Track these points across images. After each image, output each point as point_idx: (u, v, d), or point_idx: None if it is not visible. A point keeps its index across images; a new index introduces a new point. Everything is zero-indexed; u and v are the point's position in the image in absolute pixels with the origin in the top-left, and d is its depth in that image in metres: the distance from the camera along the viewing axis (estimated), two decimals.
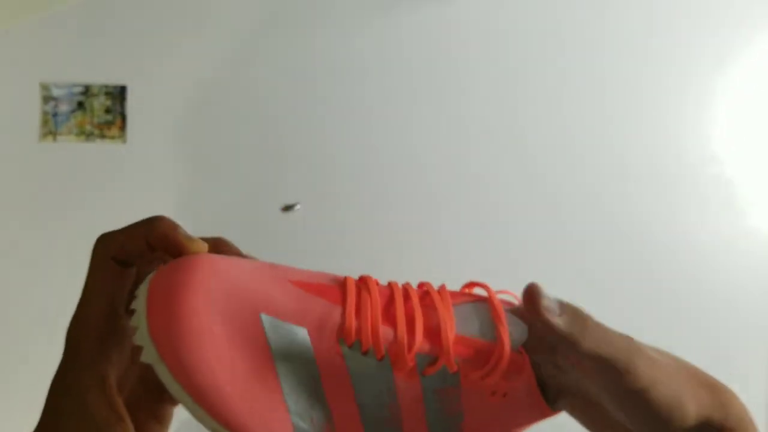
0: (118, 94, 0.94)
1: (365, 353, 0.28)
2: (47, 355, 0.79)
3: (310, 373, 0.28)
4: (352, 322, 0.28)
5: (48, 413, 0.26)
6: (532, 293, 0.29)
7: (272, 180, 0.96)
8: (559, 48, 1.00)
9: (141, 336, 0.25)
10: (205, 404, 0.25)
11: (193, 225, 0.99)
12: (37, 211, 0.92)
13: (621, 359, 0.27)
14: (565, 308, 0.29)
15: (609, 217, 0.97)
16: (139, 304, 0.26)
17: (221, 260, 0.27)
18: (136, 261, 0.27)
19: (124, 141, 0.94)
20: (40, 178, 0.93)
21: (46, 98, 0.93)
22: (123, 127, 0.94)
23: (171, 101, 0.95)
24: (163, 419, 0.31)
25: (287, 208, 0.95)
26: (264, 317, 0.27)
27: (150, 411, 0.30)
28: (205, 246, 0.28)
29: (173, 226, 0.27)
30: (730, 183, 1.02)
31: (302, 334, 0.28)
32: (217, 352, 0.25)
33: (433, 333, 0.29)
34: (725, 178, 1.02)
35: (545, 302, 0.29)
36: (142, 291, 0.25)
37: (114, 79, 0.94)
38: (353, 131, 0.97)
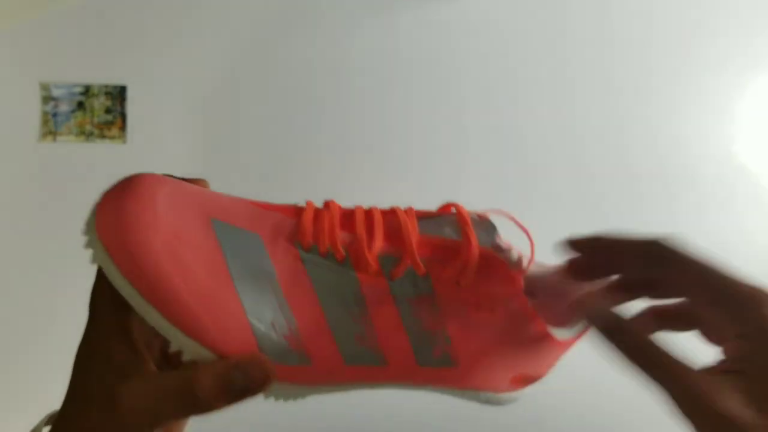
0: (118, 94, 0.94)
1: (324, 256, 0.27)
2: (48, 354, 0.79)
3: (267, 278, 0.26)
4: (308, 226, 0.28)
5: (74, 372, 0.26)
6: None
7: (273, 180, 0.96)
8: (561, 48, 1.00)
9: (90, 240, 0.24)
10: (154, 300, 0.24)
11: None
12: (37, 211, 0.92)
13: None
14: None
15: (610, 218, 0.97)
16: (90, 212, 0.25)
17: (173, 178, 0.27)
18: None
19: (124, 141, 0.94)
20: (40, 178, 0.93)
21: (46, 98, 0.93)
22: (123, 127, 0.94)
23: (171, 101, 0.95)
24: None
25: None
26: (215, 222, 0.26)
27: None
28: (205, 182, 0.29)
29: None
30: (730, 183, 1.02)
31: (256, 239, 0.27)
32: (166, 247, 0.24)
33: (395, 234, 0.28)
34: (724, 178, 1.02)
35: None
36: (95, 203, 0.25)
37: (114, 79, 0.94)
38: (354, 131, 0.97)
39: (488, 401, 0.33)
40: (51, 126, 0.93)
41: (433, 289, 0.28)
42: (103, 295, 0.26)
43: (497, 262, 0.29)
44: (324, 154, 0.97)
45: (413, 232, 0.29)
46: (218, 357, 0.25)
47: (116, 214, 0.24)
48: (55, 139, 0.93)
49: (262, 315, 0.26)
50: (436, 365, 0.30)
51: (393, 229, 0.29)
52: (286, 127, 0.97)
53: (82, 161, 0.94)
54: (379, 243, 0.28)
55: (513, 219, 0.32)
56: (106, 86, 0.94)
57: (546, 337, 0.31)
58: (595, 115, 1.00)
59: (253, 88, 0.96)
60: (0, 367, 0.92)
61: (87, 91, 0.94)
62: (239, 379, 0.25)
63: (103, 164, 0.94)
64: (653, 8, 1.01)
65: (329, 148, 0.97)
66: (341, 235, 0.28)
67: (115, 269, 0.24)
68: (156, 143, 0.95)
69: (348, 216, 0.30)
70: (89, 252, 0.25)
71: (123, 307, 0.25)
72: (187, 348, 0.25)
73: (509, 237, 0.32)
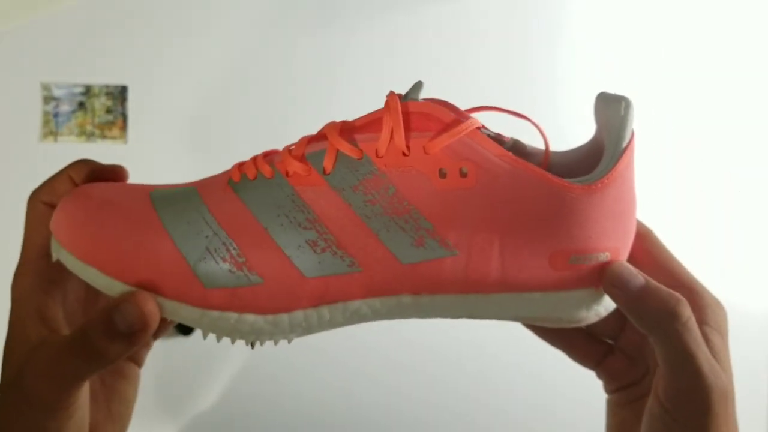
0: (119, 94, 0.94)
1: (254, 179, 0.27)
2: None
3: (198, 213, 0.26)
4: (235, 166, 0.29)
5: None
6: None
7: None
8: (561, 48, 1.00)
9: (53, 243, 0.27)
10: (85, 255, 0.25)
11: None
12: None
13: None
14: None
15: None
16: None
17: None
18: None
19: (125, 141, 0.94)
20: (40, 178, 0.93)
21: (47, 98, 0.93)
22: (124, 127, 0.94)
23: (172, 101, 0.95)
24: (129, 377, 0.31)
25: None
26: (153, 192, 0.28)
27: (115, 369, 0.30)
28: (124, 169, 0.32)
29: (90, 161, 0.31)
30: (730, 183, 1.02)
31: (190, 190, 0.28)
32: (95, 211, 0.26)
33: (318, 136, 0.28)
34: (724, 178, 1.02)
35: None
36: None
37: (115, 80, 0.94)
38: None
39: (550, 312, 0.27)
40: (52, 126, 0.93)
41: (376, 168, 0.26)
42: (24, 268, 0.28)
43: (435, 108, 0.27)
44: None
45: (334, 124, 0.28)
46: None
47: (62, 209, 0.27)
48: (56, 140, 0.93)
49: (194, 244, 0.25)
50: (425, 257, 0.26)
51: (319, 134, 0.28)
52: (286, 127, 0.97)
53: None
54: (301, 147, 0.28)
55: (500, 109, 0.30)
56: (107, 86, 0.94)
57: (553, 186, 0.26)
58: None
59: (253, 88, 0.97)
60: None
61: (88, 91, 0.94)
62: (119, 319, 0.24)
63: None
64: (653, 8, 1.01)
65: None
66: (266, 158, 0.28)
67: (56, 244, 0.26)
68: (157, 143, 0.95)
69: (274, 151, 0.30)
70: (55, 256, 0.27)
71: (39, 290, 0.27)
72: (118, 291, 0.25)
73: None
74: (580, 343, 0.32)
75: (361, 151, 0.26)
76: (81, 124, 0.94)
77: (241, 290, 0.25)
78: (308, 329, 0.26)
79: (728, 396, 0.25)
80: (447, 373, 0.94)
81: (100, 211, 0.26)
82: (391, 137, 0.26)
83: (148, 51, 0.95)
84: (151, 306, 0.24)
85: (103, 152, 0.94)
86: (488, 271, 0.26)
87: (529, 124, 0.33)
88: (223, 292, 0.25)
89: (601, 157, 0.28)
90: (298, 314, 0.26)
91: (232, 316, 0.25)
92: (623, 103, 0.28)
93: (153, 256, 0.25)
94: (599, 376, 0.32)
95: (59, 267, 0.27)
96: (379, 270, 0.26)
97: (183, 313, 0.25)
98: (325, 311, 0.26)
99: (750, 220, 1.02)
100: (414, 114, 0.27)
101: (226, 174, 0.29)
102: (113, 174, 0.31)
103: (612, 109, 0.29)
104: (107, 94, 0.94)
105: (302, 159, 0.27)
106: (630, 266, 0.27)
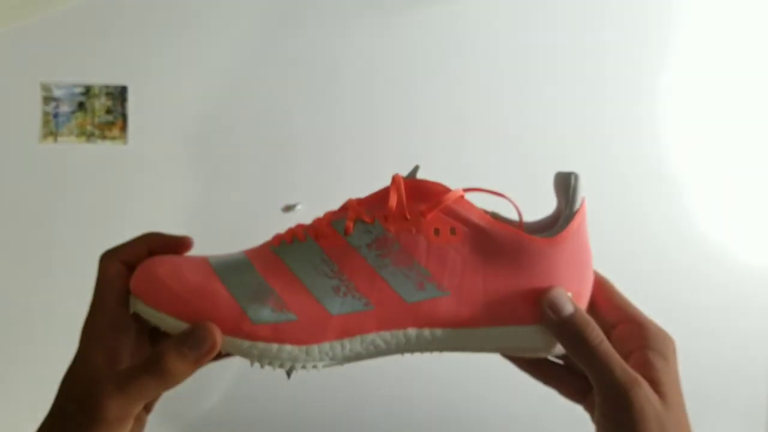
0: (119, 94, 0.94)
1: (291, 243, 0.35)
2: (47, 354, 0.79)
3: (246, 269, 0.34)
4: (276, 237, 0.36)
5: (58, 392, 0.32)
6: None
7: (273, 180, 0.96)
8: (560, 48, 1.00)
9: (131, 300, 0.33)
10: (160, 304, 0.32)
11: (195, 225, 1.00)
12: (38, 211, 0.93)
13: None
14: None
15: (610, 217, 0.97)
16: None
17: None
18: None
19: (125, 142, 0.94)
20: (40, 178, 0.93)
21: (47, 99, 0.93)
22: (124, 127, 0.94)
23: (172, 102, 0.95)
24: (141, 420, 0.36)
25: (288, 208, 0.95)
26: (211, 257, 0.35)
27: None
28: (189, 240, 0.37)
29: (162, 234, 0.37)
30: (729, 183, 1.02)
31: (240, 254, 0.35)
32: (168, 271, 0.33)
33: (341, 208, 0.36)
34: (723, 178, 1.02)
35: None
36: None
37: (115, 80, 0.94)
38: (354, 131, 0.97)
39: (527, 342, 0.34)
40: (52, 126, 0.93)
41: (384, 230, 0.34)
42: (95, 325, 0.33)
43: (427, 184, 0.35)
44: (323, 153, 0.97)
45: (353, 199, 0.35)
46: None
47: (141, 271, 0.34)
48: (56, 140, 0.93)
49: (244, 292, 0.33)
50: (425, 297, 0.33)
51: (343, 206, 0.36)
52: (286, 127, 0.97)
53: (82, 162, 0.94)
54: (327, 215, 0.35)
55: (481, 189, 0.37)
56: (107, 87, 0.94)
57: (522, 240, 0.33)
58: (596, 114, 1.00)
59: (254, 88, 0.97)
60: (0, 366, 0.92)
61: (88, 91, 0.94)
62: (190, 341, 0.31)
63: (104, 165, 0.94)
64: (654, 8, 1.01)
65: (329, 148, 0.97)
66: (299, 228, 0.36)
67: (135, 299, 0.33)
68: (157, 144, 0.95)
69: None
70: (133, 309, 0.33)
71: (115, 332, 0.33)
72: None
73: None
74: (566, 380, 0.38)
75: (373, 217, 0.34)
76: (81, 125, 0.94)
77: (281, 325, 0.32)
78: (334, 358, 0.33)
79: (646, 391, 0.30)
80: (447, 373, 0.94)
81: (174, 275, 0.33)
82: (396, 206, 0.34)
83: (148, 51, 0.95)
84: (218, 334, 0.32)
85: (103, 153, 0.94)
86: (475, 308, 0.34)
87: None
88: (267, 327, 0.32)
89: (556, 224, 0.36)
90: (326, 345, 0.33)
91: (275, 346, 0.32)
92: (573, 177, 0.35)
93: (214, 303, 0.32)
94: (586, 409, 0.37)
95: (128, 318, 0.34)
96: (389, 308, 0.33)
97: (237, 344, 0.32)
98: (346, 342, 0.33)
99: None
100: (414, 188, 0.35)
101: (268, 243, 0.36)
102: (182, 244, 0.37)
103: (565, 182, 0.36)
104: (107, 94, 0.94)
105: (328, 226, 0.34)
106: (565, 295, 0.34)
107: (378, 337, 0.33)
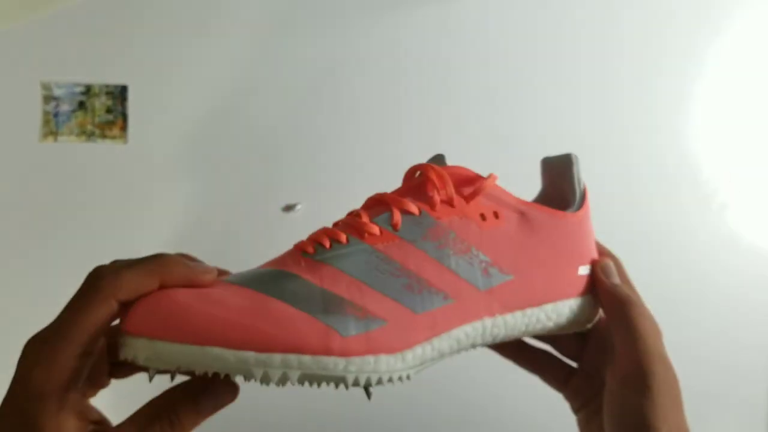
0: (120, 94, 0.94)
1: (330, 248, 0.30)
2: None
3: (293, 281, 0.28)
4: (303, 243, 0.31)
5: None
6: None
7: (274, 180, 0.96)
8: (560, 48, 1.00)
9: (128, 346, 0.26)
10: (198, 338, 0.25)
11: (194, 225, 0.99)
12: (38, 211, 0.92)
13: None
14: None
15: (608, 217, 0.97)
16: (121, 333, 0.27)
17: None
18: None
19: (125, 141, 0.94)
20: (40, 178, 0.93)
21: (47, 98, 0.93)
22: (124, 127, 0.94)
23: (172, 101, 0.95)
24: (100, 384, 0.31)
25: (288, 208, 0.95)
26: (229, 278, 0.29)
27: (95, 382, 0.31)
28: (215, 272, 0.29)
29: (185, 264, 0.28)
30: (729, 181, 1.02)
31: (265, 270, 0.30)
32: (190, 298, 0.26)
33: (377, 202, 0.33)
34: (724, 175, 1.02)
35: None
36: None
37: (115, 79, 0.94)
38: (354, 132, 0.97)
39: (580, 314, 0.35)
40: (52, 126, 0.93)
41: (435, 220, 0.32)
42: (49, 375, 0.26)
43: (462, 170, 0.34)
44: (324, 154, 0.97)
45: (387, 193, 0.33)
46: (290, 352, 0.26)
47: (142, 311, 0.26)
48: (56, 139, 0.93)
49: (311, 305, 0.27)
50: (495, 282, 0.32)
51: (373, 202, 0.33)
52: (286, 127, 0.97)
53: (83, 161, 0.94)
54: (365, 215, 0.32)
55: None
56: (107, 86, 0.94)
57: (558, 217, 0.35)
58: (596, 114, 1.00)
59: (254, 88, 0.96)
60: (0, 368, 0.92)
61: (88, 90, 0.94)
62: (208, 403, 0.27)
63: (104, 164, 0.94)
64: (654, 8, 1.01)
65: (329, 148, 0.97)
66: (334, 229, 0.32)
67: (162, 344, 0.25)
68: (157, 143, 0.95)
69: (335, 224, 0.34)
70: (133, 356, 0.26)
71: (76, 389, 0.26)
72: (251, 362, 0.25)
73: None
74: (550, 367, 0.39)
75: (419, 208, 0.32)
76: (81, 124, 0.94)
77: (373, 333, 0.28)
78: (423, 362, 0.31)
79: (671, 367, 0.33)
80: (447, 373, 0.94)
81: (205, 300, 0.26)
82: (441, 194, 0.32)
83: (148, 51, 0.95)
84: (235, 395, 0.28)
85: (104, 152, 0.94)
86: (535, 287, 0.34)
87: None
88: (359, 339, 0.27)
89: (551, 205, 0.36)
90: (417, 348, 0.30)
91: (371, 358, 0.28)
92: (574, 157, 0.38)
93: (289, 323, 0.26)
94: (566, 397, 0.39)
95: (94, 366, 0.28)
96: (467, 299, 0.31)
97: (330, 366, 0.26)
98: (435, 342, 0.31)
99: None
100: (450, 176, 0.33)
101: (295, 252, 0.31)
102: (206, 278, 0.28)
103: (565, 163, 0.38)
104: (107, 93, 0.94)
105: (371, 223, 0.32)
106: (611, 265, 0.37)
107: (461, 332, 0.32)
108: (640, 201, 1.00)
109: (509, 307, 0.33)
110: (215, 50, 0.96)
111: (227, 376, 0.26)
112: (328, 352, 0.26)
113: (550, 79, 1.00)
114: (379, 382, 0.28)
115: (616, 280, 0.36)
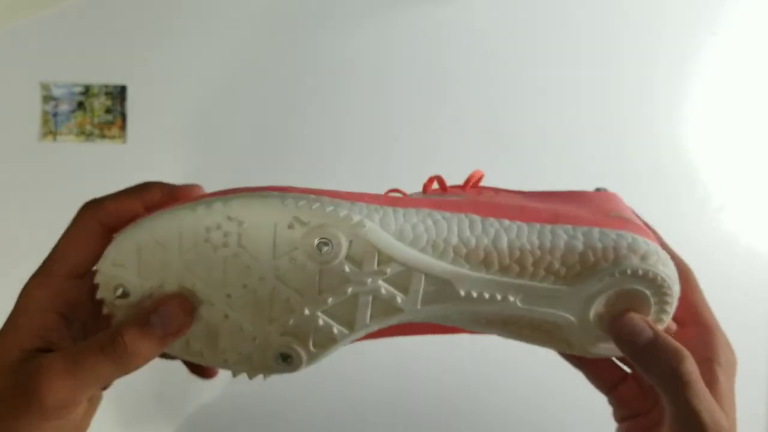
0: (119, 94, 0.94)
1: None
2: None
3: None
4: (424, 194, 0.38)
5: None
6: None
7: (274, 180, 0.96)
8: (560, 48, 1.00)
9: None
10: None
11: None
12: (37, 211, 0.92)
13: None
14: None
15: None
16: None
17: None
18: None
19: (124, 141, 0.94)
20: (40, 178, 0.93)
21: (46, 98, 0.93)
22: (123, 127, 0.94)
23: (172, 101, 0.95)
24: (92, 398, 0.30)
25: None
26: None
27: None
28: (200, 187, 0.31)
29: (167, 184, 0.30)
30: (727, 181, 1.02)
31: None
32: None
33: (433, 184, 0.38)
34: (721, 176, 1.02)
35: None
36: None
37: (114, 79, 0.94)
38: (356, 132, 0.97)
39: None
40: (51, 126, 0.93)
41: (465, 196, 0.34)
42: (33, 297, 0.28)
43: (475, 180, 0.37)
44: (323, 154, 0.97)
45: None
46: None
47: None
48: (55, 139, 0.93)
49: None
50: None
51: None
52: (286, 127, 0.97)
53: (82, 161, 0.94)
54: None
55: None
56: (107, 86, 0.94)
57: (586, 193, 0.37)
58: (596, 114, 1.00)
59: (255, 87, 0.96)
60: None
61: (87, 90, 0.94)
62: (157, 321, 0.26)
63: (103, 164, 0.94)
64: (649, 8, 1.01)
65: (329, 149, 0.97)
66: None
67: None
68: (156, 143, 0.95)
69: None
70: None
71: (52, 310, 0.27)
72: None
73: None
74: (601, 365, 0.34)
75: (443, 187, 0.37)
76: (80, 124, 0.94)
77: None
78: None
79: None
80: (445, 373, 0.94)
81: None
82: (442, 185, 0.36)
83: (148, 51, 0.95)
84: (188, 311, 0.27)
85: (103, 152, 0.94)
86: (578, 212, 0.32)
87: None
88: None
89: None
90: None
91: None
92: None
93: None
94: (611, 402, 0.34)
95: (81, 292, 0.28)
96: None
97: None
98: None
99: None
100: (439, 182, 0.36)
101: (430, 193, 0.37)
102: (189, 194, 0.30)
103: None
104: (106, 93, 0.94)
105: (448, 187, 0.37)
106: (641, 319, 0.29)
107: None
108: (636, 202, 0.99)
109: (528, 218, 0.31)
110: (215, 50, 0.96)
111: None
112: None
113: (545, 79, 1.00)
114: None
115: (644, 337, 0.28)
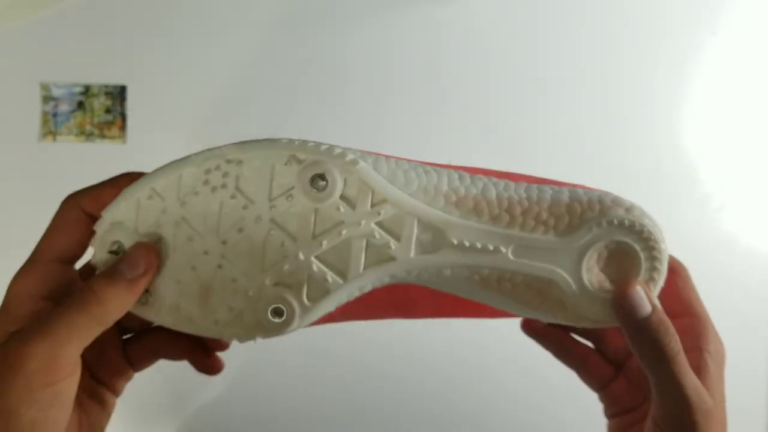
0: (118, 94, 0.94)
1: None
2: None
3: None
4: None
5: None
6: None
7: None
8: (560, 48, 1.00)
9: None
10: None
11: None
12: (37, 211, 0.92)
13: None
14: None
15: None
16: None
17: None
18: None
19: (124, 141, 0.94)
20: (40, 178, 0.93)
21: (46, 98, 0.93)
22: (123, 127, 0.94)
23: (171, 101, 0.95)
24: (105, 403, 0.31)
25: None
26: None
27: (92, 391, 0.30)
28: None
29: (140, 173, 0.31)
30: (727, 181, 1.02)
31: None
32: None
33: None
34: (721, 176, 1.02)
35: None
36: None
37: (114, 79, 0.94)
38: (357, 132, 0.97)
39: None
40: (51, 126, 0.93)
41: None
42: (21, 285, 0.29)
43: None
44: None
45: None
46: None
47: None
48: (54, 139, 0.93)
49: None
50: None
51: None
52: (286, 128, 0.97)
53: (81, 161, 0.94)
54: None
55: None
56: (106, 86, 0.94)
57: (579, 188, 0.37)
58: (596, 114, 1.00)
59: (255, 87, 0.97)
60: None
61: (87, 91, 0.94)
62: (124, 267, 0.27)
63: (103, 164, 0.94)
64: (654, 9, 1.01)
65: None
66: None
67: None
68: (156, 143, 0.95)
69: None
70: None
71: (39, 297, 0.28)
72: None
73: None
74: (591, 363, 0.36)
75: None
76: (80, 124, 0.94)
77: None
78: None
79: (713, 417, 0.28)
80: (446, 372, 0.94)
81: None
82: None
83: (148, 51, 0.95)
84: (154, 255, 0.28)
85: (102, 152, 0.94)
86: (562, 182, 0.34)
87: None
88: None
89: None
90: None
91: None
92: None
93: None
94: (602, 399, 0.36)
95: (69, 276, 0.29)
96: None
97: None
98: None
99: None
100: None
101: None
102: None
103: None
104: (106, 93, 0.94)
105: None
106: (643, 293, 0.30)
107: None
108: (635, 201, 1.00)
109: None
110: (215, 50, 0.96)
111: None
112: None
113: (545, 79, 1.00)
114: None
115: (643, 311, 0.29)
